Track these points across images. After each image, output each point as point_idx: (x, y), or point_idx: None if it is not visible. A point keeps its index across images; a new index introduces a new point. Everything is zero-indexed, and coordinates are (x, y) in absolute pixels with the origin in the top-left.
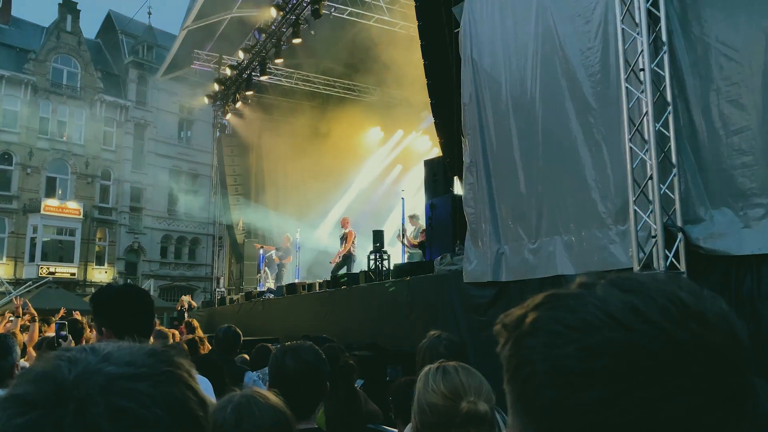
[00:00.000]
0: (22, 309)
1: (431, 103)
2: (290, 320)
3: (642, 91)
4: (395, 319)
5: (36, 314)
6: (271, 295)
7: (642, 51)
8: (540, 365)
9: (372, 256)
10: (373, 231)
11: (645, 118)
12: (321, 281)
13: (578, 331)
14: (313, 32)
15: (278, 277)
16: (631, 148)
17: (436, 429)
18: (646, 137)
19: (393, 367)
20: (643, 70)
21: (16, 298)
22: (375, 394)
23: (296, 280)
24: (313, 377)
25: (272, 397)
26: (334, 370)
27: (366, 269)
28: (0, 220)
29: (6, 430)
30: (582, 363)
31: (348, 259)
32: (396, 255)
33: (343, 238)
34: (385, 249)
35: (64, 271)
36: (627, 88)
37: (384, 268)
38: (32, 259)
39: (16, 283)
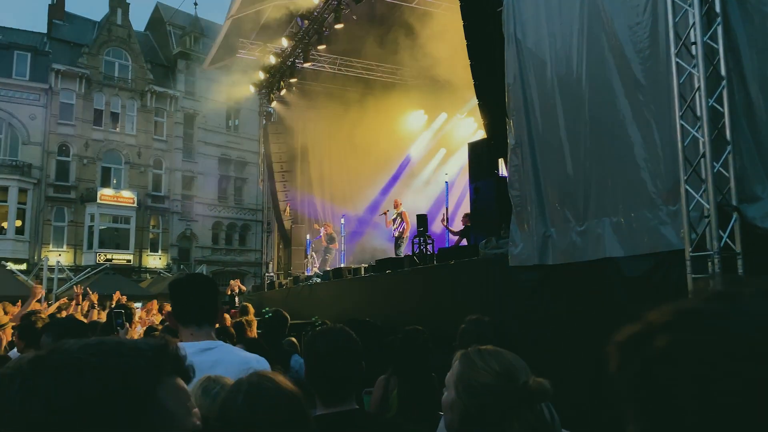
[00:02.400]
0: (83, 296)
1: (475, 85)
2: (336, 304)
3: (694, 66)
4: (440, 303)
5: (96, 302)
6: (318, 280)
7: (694, 23)
8: (691, 404)
9: (416, 240)
10: (417, 215)
11: (697, 93)
12: (366, 266)
13: (746, 361)
14: (355, 17)
15: (323, 263)
16: (682, 125)
17: (490, 409)
18: (698, 114)
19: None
20: (695, 43)
21: (76, 286)
22: None
23: (342, 265)
24: (344, 360)
25: (281, 379)
26: (408, 351)
27: (410, 253)
28: (60, 209)
29: None
30: (756, 403)
31: (400, 239)
32: (440, 239)
33: (398, 218)
34: (429, 233)
35: (121, 257)
36: (678, 63)
37: (428, 252)
38: (90, 246)
39: (76, 269)
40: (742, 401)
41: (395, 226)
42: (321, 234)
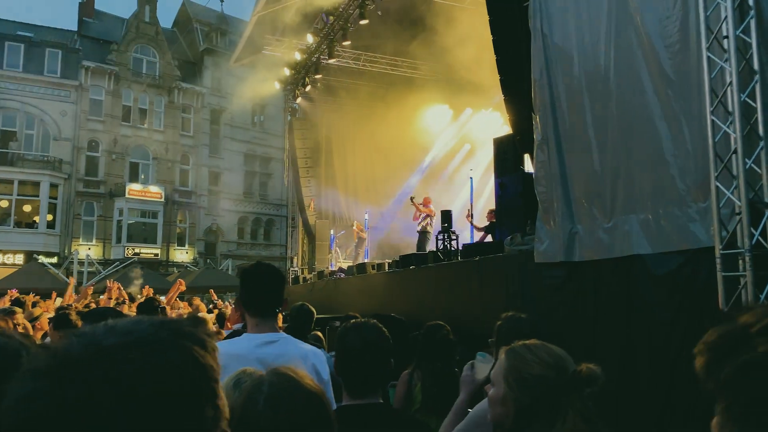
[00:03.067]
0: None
1: (500, 80)
2: (360, 299)
3: (726, 60)
4: (464, 300)
5: (126, 297)
6: (342, 275)
7: (726, 17)
8: None
9: (440, 236)
10: (442, 211)
11: (729, 88)
12: (390, 261)
13: None
14: (380, 13)
15: (356, 258)
16: (713, 120)
17: (543, 400)
18: (729, 109)
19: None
20: (727, 37)
21: (109, 280)
22: None
23: (366, 260)
24: (375, 354)
25: (302, 374)
26: (430, 346)
27: (434, 249)
28: (89, 204)
29: (15, 397)
30: None
31: (425, 235)
32: (464, 235)
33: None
34: (453, 229)
35: (148, 251)
36: (709, 57)
37: (452, 249)
38: (119, 240)
39: (105, 263)
40: None
41: (421, 220)
42: (354, 227)
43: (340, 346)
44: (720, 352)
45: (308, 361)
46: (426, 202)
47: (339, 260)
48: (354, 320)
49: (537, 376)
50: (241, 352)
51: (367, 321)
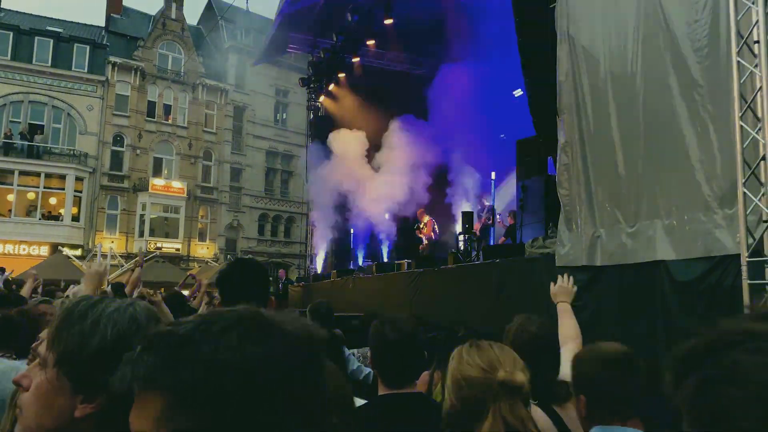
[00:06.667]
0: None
1: (525, 82)
2: (379, 298)
3: (756, 65)
4: (483, 302)
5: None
6: (361, 274)
7: (757, 21)
8: (753, 425)
9: (461, 237)
10: (462, 212)
11: (759, 94)
12: (409, 261)
13: None
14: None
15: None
16: (741, 126)
17: (472, 402)
18: (759, 115)
19: None
20: (757, 42)
21: (134, 269)
22: None
23: (385, 260)
24: (411, 346)
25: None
26: (452, 345)
27: (454, 250)
28: (113, 198)
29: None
30: None
31: (433, 244)
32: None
33: (423, 227)
34: (474, 230)
35: (170, 246)
36: (739, 62)
37: (472, 250)
38: (141, 234)
39: (128, 256)
40: None
41: (423, 235)
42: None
43: (378, 339)
44: (687, 364)
45: None
46: (420, 216)
47: (359, 259)
48: (387, 315)
49: (465, 377)
50: None
51: (401, 315)
